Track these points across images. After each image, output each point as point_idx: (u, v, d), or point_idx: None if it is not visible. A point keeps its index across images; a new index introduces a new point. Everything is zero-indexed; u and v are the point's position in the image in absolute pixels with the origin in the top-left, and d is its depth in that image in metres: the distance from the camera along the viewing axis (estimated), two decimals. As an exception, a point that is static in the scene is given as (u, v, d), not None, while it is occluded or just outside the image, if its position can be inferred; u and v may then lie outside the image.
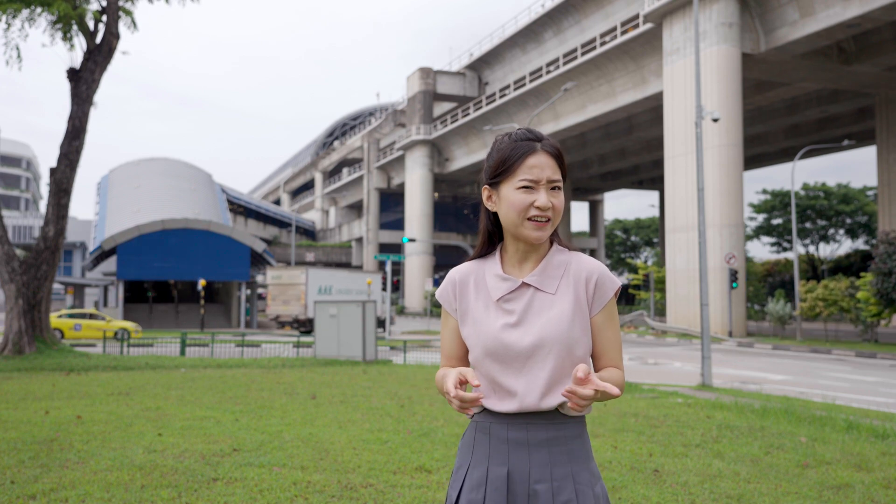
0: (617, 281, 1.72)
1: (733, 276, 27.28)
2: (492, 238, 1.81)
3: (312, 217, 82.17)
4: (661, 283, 35.12)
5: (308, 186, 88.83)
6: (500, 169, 1.72)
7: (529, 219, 1.68)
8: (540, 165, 1.68)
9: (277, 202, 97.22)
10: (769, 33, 28.41)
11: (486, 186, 1.76)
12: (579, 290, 1.70)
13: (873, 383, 14.48)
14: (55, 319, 25.34)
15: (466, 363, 1.81)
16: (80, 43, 16.28)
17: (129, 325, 26.02)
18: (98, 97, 32.49)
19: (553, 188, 1.70)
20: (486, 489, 1.66)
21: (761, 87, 34.86)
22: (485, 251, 1.82)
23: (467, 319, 1.76)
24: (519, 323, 1.69)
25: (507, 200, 1.70)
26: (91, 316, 26.43)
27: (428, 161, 55.15)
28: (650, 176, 55.61)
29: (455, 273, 1.81)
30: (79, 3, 15.25)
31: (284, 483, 4.60)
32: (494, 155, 1.75)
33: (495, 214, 1.78)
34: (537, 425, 1.67)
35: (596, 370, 1.73)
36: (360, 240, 67.06)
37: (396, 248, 59.63)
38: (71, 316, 26.08)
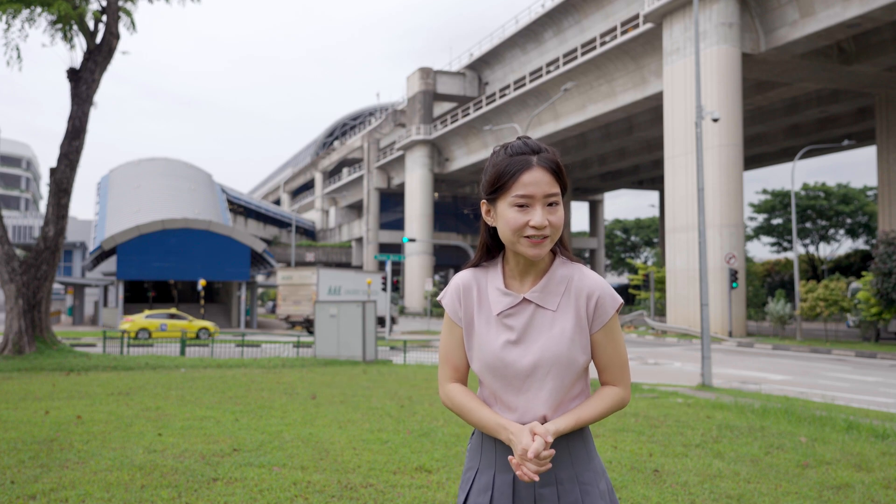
0: (618, 298, 1.71)
1: (733, 276, 27.27)
2: (490, 251, 1.79)
3: (312, 217, 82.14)
4: (661, 283, 35.11)
5: (308, 186, 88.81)
6: (495, 185, 1.68)
7: (526, 237, 1.64)
8: (535, 182, 1.63)
9: (277, 202, 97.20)
10: (769, 33, 28.40)
11: (484, 201, 1.74)
12: (580, 307, 1.68)
13: (873, 383, 14.48)
14: (143, 320, 26.26)
15: (466, 372, 1.80)
16: (80, 43, 16.29)
17: (209, 324, 27.12)
18: (98, 97, 32.54)
19: (550, 204, 1.65)
20: (492, 494, 1.69)
21: (761, 87, 34.85)
22: (483, 260, 1.80)
23: (472, 331, 1.75)
24: (519, 341, 1.68)
25: (503, 218, 1.66)
26: (173, 316, 27.18)
27: (428, 161, 55.14)
28: (650, 176, 55.59)
29: (459, 279, 1.79)
30: (79, 3, 15.25)
31: (284, 483, 4.60)
32: (490, 169, 1.70)
33: (494, 228, 1.75)
34: None
35: (600, 383, 1.78)
36: (360, 240, 67.05)
37: (396, 248, 59.63)
38: (156, 316, 26.85)
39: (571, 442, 1.68)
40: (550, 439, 1.57)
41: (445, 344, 1.80)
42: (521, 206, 1.64)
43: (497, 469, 1.70)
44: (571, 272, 1.72)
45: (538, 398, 1.67)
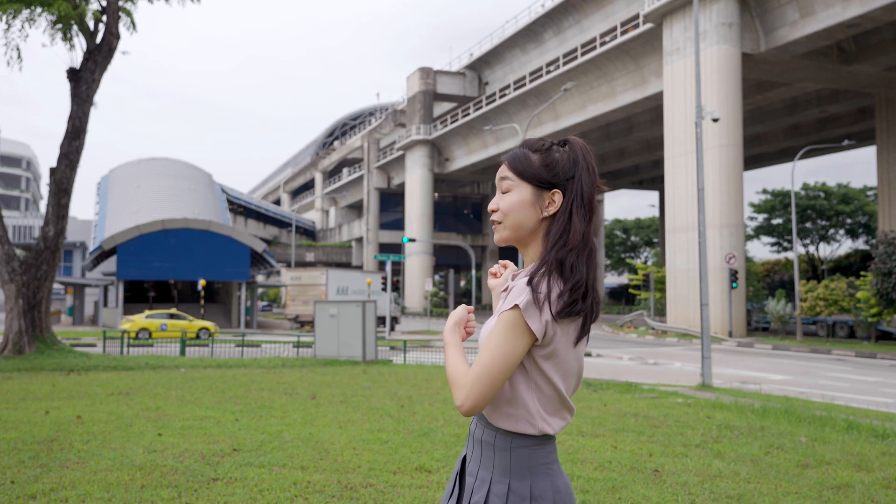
0: (516, 301, 1.61)
1: (733, 276, 27.27)
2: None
3: (312, 217, 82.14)
4: (661, 283, 35.10)
5: (308, 186, 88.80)
6: None
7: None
8: (498, 174, 1.80)
9: (277, 202, 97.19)
10: (769, 33, 28.40)
11: None
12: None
13: (873, 383, 14.48)
14: (143, 320, 26.40)
15: None
16: (80, 43, 16.30)
17: (209, 324, 27.21)
18: (98, 97, 32.52)
19: (504, 192, 1.77)
20: (459, 464, 1.83)
21: (761, 87, 34.85)
22: None
23: None
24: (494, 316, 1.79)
25: None
26: (174, 316, 27.33)
27: (428, 161, 55.13)
28: (650, 176, 55.58)
29: None
30: (79, 3, 15.25)
31: (284, 483, 4.60)
32: None
33: None
34: (481, 426, 1.75)
35: None
36: (360, 240, 67.03)
37: (396, 248, 59.61)
38: (156, 317, 27.01)
39: (498, 449, 1.70)
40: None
41: None
42: None
43: (466, 445, 1.83)
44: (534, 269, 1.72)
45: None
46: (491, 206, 1.79)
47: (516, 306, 1.61)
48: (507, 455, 1.69)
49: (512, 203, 1.74)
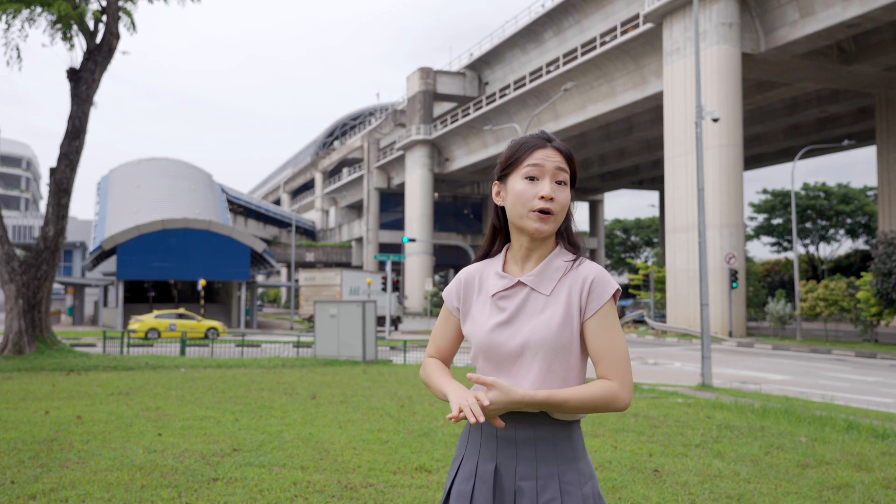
0: (614, 284, 1.68)
1: (733, 276, 27.27)
2: (496, 235, 1.84)
3: (312, 217, 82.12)
4: (661, 283, 35.10)
5: (308, 186, 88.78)
6: (509, 161, 1.74)
7: (533, 210, 1.68)
8: (547, 156, 1.70)
9: (277, 202, 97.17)
10: (769, 33, 28.40)
11: (496, 182, 1.80)
12: (573, 292, 1.68)
13: (873, 383, 14.48)
14: (152, 320, 26.64)
15: (451, 357, 1.87)
16: (80, 43, 16.30)
17: (217, 324, 27.55)
18: (98, 97, 32.55)
19: (559, 182, 1.71)
20: (474, 482, 1.70)
21: (761, 87, 34.85)
22: (490, 250, 1.85)
23: (468, 318, 1.79)
24: (509, 322, 1.70)
25: (514, 191, 1.71)
26: (182, 316, 27.58)
27: (428, 161, 55.12)
28: (650, 176, 55.57)
29: (462, 273, 1.84)
30: (79, 3, 15.25)
31: (284, 483, 4.60)
32: (506, 151, 1.78)
33: (503, 210, 1.80)
34: (524, 425, 1.68)
35: (597, 376, 1.71)
36: (360, 240, 67.02)
37: (396, 248, 59.59)
38: (165, 316, 27.25)
39: (558, 439, 1.67)
40: (486, 402, 1.56)
41: (437, 328, 1.88)
42: (531, 178, 1.69)
43: (481, 457, 1.71)
44: (571, 260, 1.74)
45: (525, 381, 1.66)
46: (547, 192, 1.68)
47: (618, 290, 1.69)
48: (568, 443, 1.69)
49: (567, 199, 1.74)
